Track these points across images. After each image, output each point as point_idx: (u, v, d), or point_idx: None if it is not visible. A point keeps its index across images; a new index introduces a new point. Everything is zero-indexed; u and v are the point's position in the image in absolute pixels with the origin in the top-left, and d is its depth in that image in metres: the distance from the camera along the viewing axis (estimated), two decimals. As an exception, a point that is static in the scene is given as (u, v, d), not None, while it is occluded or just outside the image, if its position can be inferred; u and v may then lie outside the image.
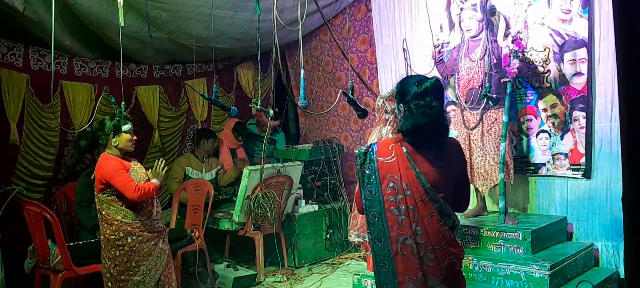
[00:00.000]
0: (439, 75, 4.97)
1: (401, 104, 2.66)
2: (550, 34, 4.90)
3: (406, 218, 2.59)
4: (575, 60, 4.77)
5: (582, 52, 4.73)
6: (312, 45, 7.38)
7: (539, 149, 5.07)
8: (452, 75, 5.00)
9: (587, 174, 4.78)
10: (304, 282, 5.54)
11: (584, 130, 4.75)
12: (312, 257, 6.19)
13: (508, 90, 4.62)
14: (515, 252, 4.42)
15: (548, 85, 4.95)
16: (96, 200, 3.97)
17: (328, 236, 6.33)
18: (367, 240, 3.04)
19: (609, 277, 4.44)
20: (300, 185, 6.16)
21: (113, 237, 3.89)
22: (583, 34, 4.71)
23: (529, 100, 5.08)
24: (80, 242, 4.81)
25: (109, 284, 3.96)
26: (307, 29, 7.02)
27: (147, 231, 3.94)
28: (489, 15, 4.92)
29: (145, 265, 3.93)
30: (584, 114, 4.76)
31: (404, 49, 5.69)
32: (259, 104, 4.25)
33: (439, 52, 5.11)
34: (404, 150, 2.63)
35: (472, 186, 4.72)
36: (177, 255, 4.95)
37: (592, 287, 4.16)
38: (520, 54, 4.64)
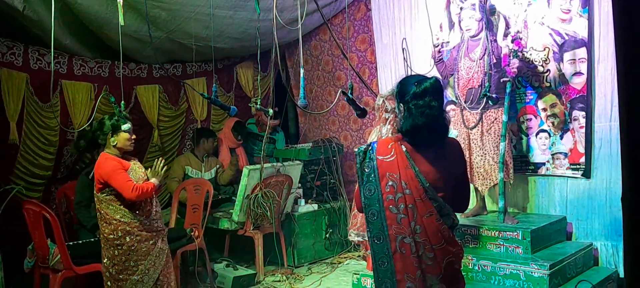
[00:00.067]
0: (438, 75, 4.98)
1: (401, 104, 2.67)
2: (550, 34, 4.90)
3: (405, 217, 2.59)
4: (574, 59, 4.78)
5: (582, 52, 4.73)
6: (311, 44, 7.38)
7: (539, 149, 5.07)
8: (452, 74, 5.00)
9: (587, 174, 4.78)
10: (303, 281, 5.54)
11: (583, 130, 4.76)
12: (311, 256, 6.19)
13: (508, 90, 4.62)
14: (514, 252, 4.42)
15: (548, 84, 4.95)
16: (95, 199, 3.98)
17: (327, 235, 6.33)
18: (367, 239, 3.04)
19: (609, 277, 4.45)
20: (299, 185, 6.16)
21: (111, 236, 3.89)
22: (583, 33, 4.71)
23: (528, 100, 5.09)
24: (80, 242, 4.81)
25: (109, 283, 3.96)
26: (307, 28, 7.02)
27: (146, 230, 3.94)
28: (489, 14, 4.92)
29: (143, 264, 3.93)
30: (583, 113, 4.76)
31: (403, 49, 5.69)
32: (258, 103, 4.25)
33: (439, 51, 5.12)
34: (404, 149, 2.64)
35: (471, 186, 4.72)
36: (176, 255, 4.95)
37: (592, 286, 4.16)
38: (519, 54, 4.64)
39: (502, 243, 4.49)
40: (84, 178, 4.99)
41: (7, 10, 4.78)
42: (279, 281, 5.54)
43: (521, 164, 5.12)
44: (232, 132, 6.75)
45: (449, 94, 5.39)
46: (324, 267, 6.01)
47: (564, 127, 4.90)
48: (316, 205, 6.30)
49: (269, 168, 5.69)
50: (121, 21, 3.89)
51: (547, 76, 4.94)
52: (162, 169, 4.08)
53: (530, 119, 5.09)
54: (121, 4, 3.86)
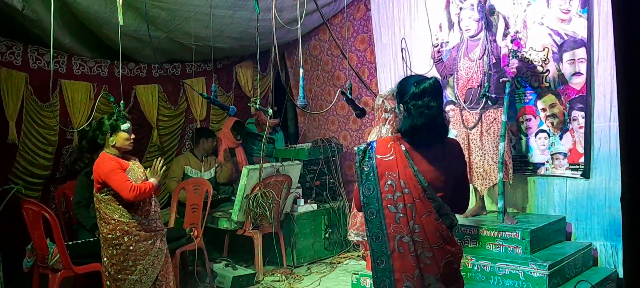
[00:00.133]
0: (438, 75, 4.98)
1: (400, 104, 2.68)
2: (549, 34, 4.90)
3: (404, 216, 2.60)
4: (574, 60, 4.78)
5: (581, 52, 4.73)
6: (311, 44, 7.38)
7: (538, 149, 5.07)
8: (451, 74, 5.00)
9: (586, 174, 4.78)
10: (302, 281, 5.54)
11: (582, 130, 4.76)
12: (311, 256, 6.19)
13: (507, 90, 4.63)
14: (514, 252, 4.42)
15: (547, 85, 4.95)
16: (95, 199, 3.98)
17: (327, 235, 6.33)
18: (366, 238, 3.05)
19: (608, 277, 4.45)
20: (299, 185, 6.16)
21: (110, 235, 3.89)
22: (582, 33, 4.71)
23: (528, 100, 5.09)
24: (79, 241, 4.81)
25: (108, 283, 3.96)
26: (306, 28, 7.02)
27: (144, 230, 3.94)
28: (488, 14, 4.92)
29: (142, 264, 3.93)
30: (582, 113, 4.76)
31: (402, 49, 5.69)
32: (258, 103, 4.25)
33: (438, 51, 5.12)
34: (403, 148, 2.64)
35: (470, 186, 4.72)
36: (175, 254, 4.95)
37: (591, 286, 4.16)
38: (519, 54, 4.64)
39: (501, 243, 4.49)
40: (83, 178, 4.99)
41: (7, 9, 4.77)
42: (278, 281, 5.54)
43: (520, 164, 5.12)
44: (231, 131, 6.75)
45: (448, 94, 5.39)
46: (323, 266, 6.01)
47: (563, 127, 4.90)
48: (315, 205, 6.30)
49: (269, 168, 5.69)
50: (120, 21, 3.89)
51: (546, 76, 4.94)
52: (161, 169, 4.08)
53: (530, 119, 5.09)
54: (120, 3, 3.85)
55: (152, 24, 5.42)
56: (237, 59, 7.37)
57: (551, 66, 4.91)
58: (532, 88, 5.05)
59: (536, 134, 5.07)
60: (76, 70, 5.78)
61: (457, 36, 5.12)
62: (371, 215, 2.68)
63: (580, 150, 4.80)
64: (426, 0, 5.55)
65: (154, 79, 6.52)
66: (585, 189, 4.81)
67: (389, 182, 2.63)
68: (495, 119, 4.71)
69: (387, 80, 6.37)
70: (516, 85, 5.06)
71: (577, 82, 4.78)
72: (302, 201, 6.21)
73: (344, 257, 6.22)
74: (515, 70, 4.57)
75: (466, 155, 4.67)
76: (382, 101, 4.62)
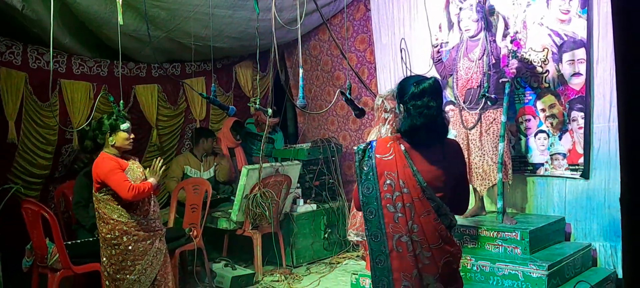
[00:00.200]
0: (437, 75, 4.98)
1: (400, 104, 2.68)
2: (549, 34, 4.90)
3: (402, 216, 2.60)
4: (573, 60, 4.78)
5: (581, 53, 4.73)
6: (311, 44, 7.38)
7: (538, 149, 5.07)
8: (451, 75, 5.00)
9: (586, 174, 4.78)
10: (302, 281, 5.54)
11: (582, 131, 4.76)
12: (310, 256, 6.19)
13: (506, 90, 4.63)
14: (513, 252, 4.42)
15: (546, 85, 4.96)
16: (94, 198, 3.98)
17: (326, 235, 6.33)
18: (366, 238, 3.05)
19: (607, 277, 4.45)
20: (298, 185, 6.16)
21: (109, 235, 3.89)
22: (582, 34, 4.71)
23: (527, 100, 5.09)
24: (78, 241, 4.81)
25: (107, 282, 3.96)
26: (306, 28, 7.02)
27: (143, 230, 3.94)
28: (488, 15, 4.92)
29: (140, 264, 3.93)
30: (582, 114, 4.76)
31: (401, 49, 5.69)
32: (257, 103, 4.25)
33: (438, 51, 5.11)
34: (402, 148, 2.64)
35: (470, 186, 4.72)
36: (175, 254, 4.95)
37: (590, 287, 4.16)
38: (518, 54, 4.65)
39: (500, 243, 4.49)
40: (82, 178, 4.99)
41: (6, 9, 4.77)
42: (278, 281, 5.54)
43: (520, 165, 5.13)
44: (230, 131, 6.75)
45: (447, 94, 5.39)
46: (323, 266, 6.01)
47: (562, 127, 4.90)
48: (315, 205, 6.30)
49: (268, 168, 5.69)
50: (120, 20, 3.89)
51: (546, 77, 4.95)
52: (160, 169, 4.08)
53: (529, 120, 5.09)
54: (120, 3, 3.85)
55: (152, 23, 5.42)
56: (237, 58, 7.38)
57: (551, 66, 4.91)
58: (531, 88, 5.06)
59: (535, 135, 5.07)
60: (76, 70, 5.78)
61: (456, 36, 5.12)
62: (370, 215, 2.69)
63: (580, 150, 4.80)
64: (426, 1, 5.55)
65: (154, 78, 6.52)
66: (584, 190, 4.82)
67: (388, 182, 2.63)
68: (494, 119, 4.71)
69: (387, 80, 6.37)
70: (516, 85, 5.06)
71: (577, 83, 4.78)
72: (301, 201, 6.21)
73: (344, 257, 6.22)
74: (514, 70, 4.57)
75: (465, 156, 4.67)
76: (382, 101, 4.62)
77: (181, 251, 5.17)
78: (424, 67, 5.46)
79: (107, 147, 3.94)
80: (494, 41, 4.78)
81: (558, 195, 4.99)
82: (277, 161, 6.21)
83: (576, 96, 4.79)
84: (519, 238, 4.41)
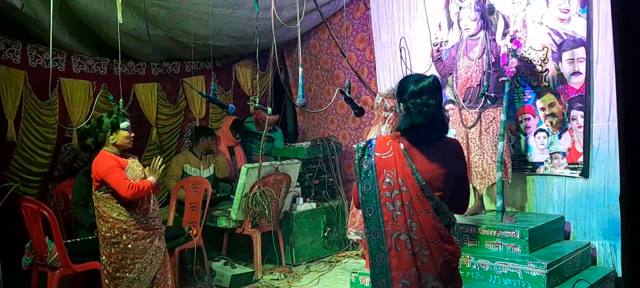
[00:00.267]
0: (437, 74, 4.98)
1: (400, 103, 2.68)
2: (549, 33, 4.90)
3: (401, 214, 2.60)
4: (573, 59, 4.78)
5: (581, 52, 4.73)
6: (310, 43, 7.38)
7: (537, 148, 5.07)
8: (451, 73, 5.00)
9: (585, 173, 4.78)
10: (301, 279, 5.54)
11: (581, 130, 4.76)
12: (309, 255, 6.19)
13: (506, 89, 4.63)
14: (512, 251, 4.42)
15: (546, 84, 4.96)
16: (93, 197, 3.98)
17: (326, 234, 6.33)
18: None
19: (606, 276, 4.45)
20: (298, 183, 6.16)
21: (108, 234, 3.89)
22: (581, 33, 4.71)
23: (527, 99, 5.09)
24: (78, 240, 4.81)
25: (106, 281, 3.96)
26: (306, 27, 7.01)
27: (143, 229, 3.94)
28: (488, 14, 4.91)
29: (140, 262, 3.93)
30: (582, 113, 4.76)
31: (401, 48, 5.69)
32: (257, 101, 4.25)
33: (438, 50, 5.11)
34: (402, 146, 2.65)
35: (470, 185, 4.72)
36: (174, 253, 4.96)
37: (589, 285, 4.16)
38: (518, 53, 4.64)
39: (500, 242, 4.49)
40: (82, 177, 4.98)
41: (6, 8, 4.77)
42: (277, 279, 5.54)
43: (519, 163, 5.13)
44: (230, 130, 6.76)
45: (447, 93, 5.39)
46: (322, 265, 6.01)
47: (562, 126, 4.90)
48: (314, 203, 6.30)
49: (268, 166, 5.69)
50: (120, 19, 3.89)
51: (545, 75, 4.95)
52: (160, 167, 4.08)
53: (529, 119, 5.09)
54: (120, 2, 3.85)
55: (151, 22, 5.42)
56: (237, 57, 7.37)
57: (550, 65, 4.91)
58: (531, 87, 5.06)
59: (535, 133, 5.08)
60: (75, 68, 5.77)
61: (456, 35, 5.12)
62: (369, 213, 2.69)
63: (579, 149, 4.80)
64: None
65: (153, 77, 6.51)
66: (584, 188, 4.82)
67: (387, 180, 2.64)
68: (494, 118, 4.72)
69: (387, 79, 6.37)
70: (515, 84, 5.06)
71: (576, 82, 4.79)
72: (301, 200, 6.21)
73: (343, 256, 6.22)
74: (514, 69, 4.57)
75: (465, 154, 4.67)
76: (382, 100, 4.62)
77: (181, 250, 5.17)
78: (423, 66, 5.46)
79: (107, 146, 3.94)
80: (494, 40, 4.78)
81: (557, 194, 5.00)
82: (277, 160, 6.21)
83: (576, 95, 4.79)
84: (518, 237, 4.41)
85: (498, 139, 4.65)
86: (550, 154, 4.99)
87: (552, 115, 4.95)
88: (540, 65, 4.95)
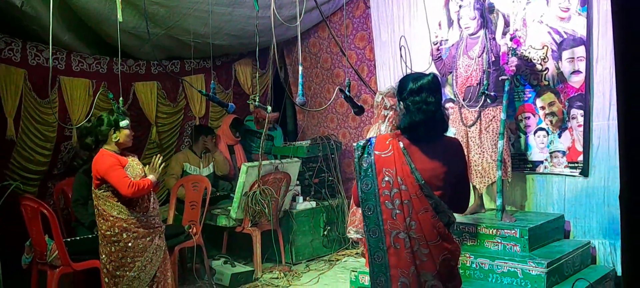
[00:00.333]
0: (437, 73, 4.98)
1: (400, 102, 2.69)
2: (549, 32, 4.90)
3: (400, 213, 2.60)
4: (573, 58, 4.77)
5: (581, 50, 4.73)
6: (310, 42, 7.37)
7: (537, 147, 5.07)
8: (451, 72, 5.00)
9: (585, 172, 4.78)
10: (301, 278, 5.54)
11: (581, 128, 4.76)
12: (309, 253, 6.20)
13: (506, 88, 4.63)
14: (512, 250, 4.42)
15: (546, 83, 4.95)
16: (93, 195, 3.97)
17: (325, 233, 6.34)
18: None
19: (606, 275, 4.45)
20: (297, 182, 6.17)
21: (108, 232, 3.89)
22: (581, 32, 4.71)
23: (527, 98, 5.09)
24: (78, 238, 4.81)
25: (106, 280, 3.96)
26: (306, 25, 7.01)
27: (143, 227, 3.94)
28: (488, 12, 4.91)
29: (140, 261, 3.93)
30: (582, 111, 4.76)
31: (400, 47, 5.68)
32: (257, 100, 4.25)
33: (438, 49, 5.11)
34: (401, 145, 2.65)
35: (470, 184, 4.72)
36: (174, 251, 4.96)
37: (589, 284, 4.16)
38: (518, 52, 4.64)
39: (499, 241, 4.49)
40: (81, 176, 4.98)
41: (6, 6, 4.77)
42: (277, 278, 5.54)
43: (519, 162, 5.13)
44: (230, 129, 6.76)
45: (447, 91, 5.39)
46: (322, 264, 6.01)
47: (562, 125, 4.90)
48: (314, 202, 6.31)
49: (267, 165, 5.68)
50: (120, 18, 3.88)
51: (545, 74, 4.94)
52: (160, 166, 4.08)
53: (529, 117, 5.09)
54: (120, 0, 3.85)
55: (151, 21, 5.41)
56: (236, 56, 7.37)
57: (550, 64, 4.91)
58: (531, 86, 5.05)
59: (535, 132, 5.07)
60: (75, 67, 5.77)
61: (456, 34, 5.12)
62: (369, 211, 2.70)
63: (579, 148, 4.80)
64: (425, -2, 5.56)
65: (153, 76, 6.51)
66: (583, 187, 4.82)
67: (386, 179, 2.64)
68: (494, 117, 4.71)
69: (387, 77, 6.37)
70: (515, 83, 5.06)
71: (576, 81, 4.78)
72: (300, 198, 6.21)
73: (343, 255, 6.23)
74: (514, 68, 4.56)
75: (465, 153, 4.66)
76: (382, 98, 4.62)
77: (180, 248, 5.17)
78: (423, 64, 5.46)
79: (108, 144, 3.94)
80: (494, 39, 4.78)
81: (557, 192, 4.99)
82: (277, 158, 6.21)
83: (576, 94, 4.79)
84: (518, 236, 4.41)
85: (498, 138, 4.65)
86: (550, 153, 4.99)
87: (552, 114, 4.94)
88: (540, 63, 4.95)
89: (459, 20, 4.95)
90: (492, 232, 4.54)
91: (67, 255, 4.38)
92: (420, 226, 2.59)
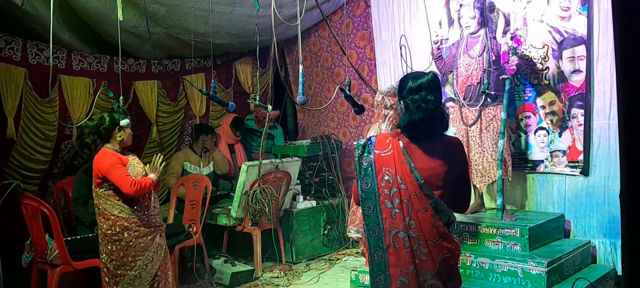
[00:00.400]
0: (437, 72, 4.98)
1: (400, 101, 2.69)
2: (549, 31, 4.90)
3: (399, 212, 2.60)
4: (574, 57, 4.77)
5: (581, 50, 4.73)
6: (311, 41, 7.37)
7: (537, 146, 5.07)
8: (451, 71, 5.00)
9: (585, 171, 4.78)
10: (301, 277, 5.54)
11: (582, 128, 4.76)
12: (309, 252, 6.20)
13: (506, 87, 4.62)
14: (512, 249, 4.42)
15: (547, 82, 4.95)
16: (94, 194, 3.97)
17: (326, 232, 6.34)
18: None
19: (606, 275, 4.45)
20: (298, 181, 6.17)
21: (110, 231, 3.89)
22: (582, 31, 4.71)
23: (527, 97, 5.08)
24: (78, 237, 4.80)
25: (106, 279, 3.96)
26: (306, 24, 7.01)
27: (144, 226, 3.94)
28: (488, 11, 4.91)
29: (141, 260, 3.92)
30: (582, 111, 4.75)
31: (401, 46, 5.68)
32: (257, 99, 4.25)
33: (438, 48, 5.11)
34: (401, 144, 2.65)
35: (471, 184, 4.71)
36: (174, 250, 4.96)
37: (590, 284, 4.16)
38: (519, 51, 4.64)
39: (500, 240, 4.49)
40: (82, 175, 4.98)
41: (6, 5, 4.77)
42: (277, 277, 5.54)
43: (520, 162, 5.13)
44: (230, 128, 6.76)
45: (448, 90, 5.39)
46: (322, 263, 6.01)
47: (562, 124, 4.90)
48: (314, 201, 6.30)
49: (268, 164, 5.68)
50: (120, 16, 3.88)
51: (546, 74, 4.94)
52: (160, 165, 4.08)
53: (529, 117, 5.09)
54: (120, -1, 3.85)
55: (152, 19, 5.41)
56: (237, 55, 7.37)
57: (551, 63, 4.90)
58: (531, 85, 5.05)
59: (535, 131, 5.07)
60: (75, 65, 5.77)
61: (457, 33, 5.12)
62: (369, 210, 2.70)
63: (580, 147, 4.80)
64: (426, -3, 5.56)
65: (154, 75, 6.52)
66: (584, 187, 4.81)
67: (386, 178, 2.64)
68: (494, 116, 4.71)
69: (387, 77, 6.37)
70: (516, 82, 5.06)
71: (577, 80, 4.78)
72: (301, 198, 6.21)
73: (343, 254, 6.23)
74: (514, 67, 4.56)
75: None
76: (382, 98, 4.62)
77: (181, 247, 5.18)
78: (424, 63, 5.46)
79: (111, 143, 3.94)
80: (494, 38, 4.77)
81: (558, 192, 4.99)
82: (277, 157, 6.21)
83: (576, 93, 4.79)
84: (518, 235, 4.41)
85: (498, 137, 4.65)
86: (550, 152, 4.99)
87: (553, 113, 4.94)
88: (541, 63, 4.95)
89: (459, 19, 4.95)
90: (492, 231, 4.54)
91: (68, 254, 4.38)
92: (419, 225, 2.59)
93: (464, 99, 4.81)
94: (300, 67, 3.99)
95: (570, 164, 4.88)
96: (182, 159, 6.22)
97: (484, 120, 4.74)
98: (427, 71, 2.77)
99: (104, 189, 3.88)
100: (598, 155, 4.71)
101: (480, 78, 4.69)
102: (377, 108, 4.69)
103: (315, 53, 7.36)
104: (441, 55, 5.09)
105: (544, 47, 4.93)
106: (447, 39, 5.33)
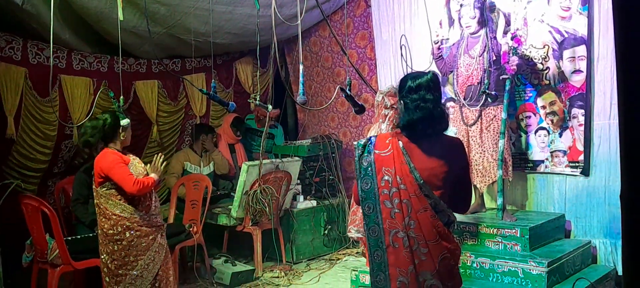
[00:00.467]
0: (438, 72, 4.98)
1: (400, 100, 2.69)
2: (550, 31, 4.90)
3: (399, 212, 2.60)
4: (574, 57, 4.77)
5: (582, 50, 4.73)
6: (311, 40, 7.37)
7: (538, 146, 5.07)
8: (451, 71, 5.00)
9: (586, 171, 4.78)
10: (301, 277, 5.54)
11: (582, 128, 4.75)
12: (310, 252, 6.20)
13: (507, 87, 4.62)
14: (513, 249, 4.42)
15: (547, 82, 4.95)
16: (95, 194, 3.97)
17: (326, 232, 6.33)
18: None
19: (607, 275, 4.45)
20: (298, 181, 6.16)
21: (111, 231, 3.88)
22: (582, 31, 4.71)
23: (527, 97, 5.08)
24: (78, 237, 4.80)
25: (107, 279, 3.95)
26: (307, 24, 7.01)
27: (146, 226, 3.94)
28: (489, 11, 4.91)
29: (143, 259, 3.92)
30: (582, 111, 4.75)
31: (401, 46, 5.68)
32: (258, 99, 4.25)
33: (438, 48, 5.11)
34: (400, 144, 2.65)
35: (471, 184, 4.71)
36: (175, 250, 4.96)
37: (590, 284, 4.16)
38: (519, 51, 4.64)
39: (500, 240, 4.49)
40: (82, 175, 4.97)
41: (6, 4, 4.77)
42: (278, 277, 5.54)
43: (520, 162, 5.12)
44: (230, 127, 6.76)
45: (448, 90, 5.39)
46: (323, 263, 6.01)
47: (563, 124, 4.90)
48: (315, 201, 6.30)
49: (268, 164, 5.68)
50: (120, 16, 3.88)
51: (546, 74, 4.94)
52: (161, 165, 4.08)
53: (530, 117, 5.09)
54: (120, -1, 3.85)
55: (152, 19, 5.41)
56: (237, 55, 7.37)
57: (551, 63, 4.90)
58: (532, 85, 5.05)
59: (536, 132, 5.07)
60: (76, 65, 5.77)
61: (457, 33, 5.12)
62: (368, 210, 2.70)
63: (580, 147, 4.79)
64: (426, -3, 5.55)
65: (154, 74, 6.51)
66: (584, 187, 4.81)
67: (385, 178, 2.64)
68: (495, 116, 4.71)
69: (387, 76, 6.37)
70: (516, 82, 5.06)
71: (577, 80, 4.78)
72: (301, 197, 6.21)
73: (343, 254, 6.22)
74: (515, 67, 4.56)
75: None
76: (382, 97, 4.61)
77: (181, 247, 5.17)
78: (424, 63, 5.46)
79: (113, 143, 3.94)
80: (495, 38, 4.77)
81: (558, 192, 4.99)
82: (277, 157, 6.21)
83: (576, 93, 4.79)
84: (518, 235, 4.41)
85: (499, 137, 4.65)
86: (551, 152, 4.99)
87: (553, 113, 4.94)
88: (541, 63, 4.94)
89: (459, 19, 4.96)
90: (492, 231, 4.54)
91: (68, 253, 4.38)
92: (419, 225, 2.59)
93: (464, 99, 4.81)
94: (301, 66, 3.99)
95: (571, 164, 4.87)
96: (182, 159, 6.22)
97: (485, 120, 4.74)
98: (427, 71, 2.77)
99: (105, 188, 3.88)
100: (598, 155, 4.71)
101: (481, 78, 4.69)
102: (378, 108, 4.68)
103: (316, 53, 7.36)
104: (441, 55, 5.09)
105: (544, 47, 4.93)
106: (448, 38, 5.33)
